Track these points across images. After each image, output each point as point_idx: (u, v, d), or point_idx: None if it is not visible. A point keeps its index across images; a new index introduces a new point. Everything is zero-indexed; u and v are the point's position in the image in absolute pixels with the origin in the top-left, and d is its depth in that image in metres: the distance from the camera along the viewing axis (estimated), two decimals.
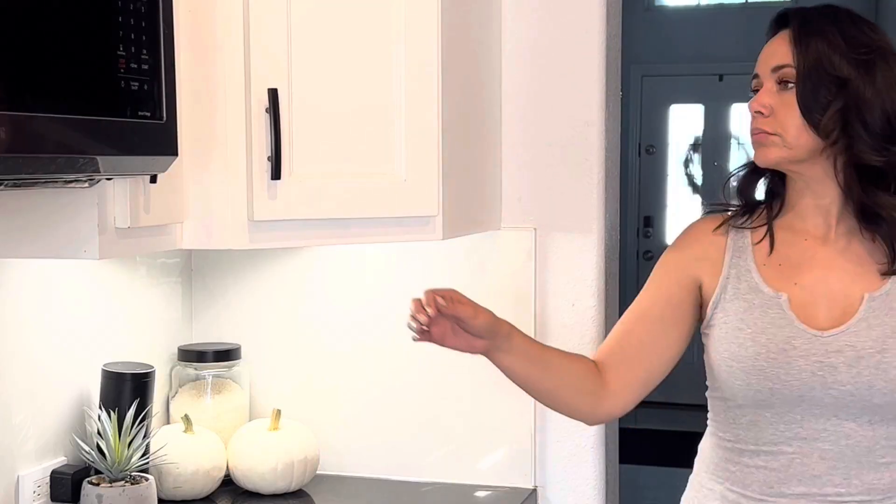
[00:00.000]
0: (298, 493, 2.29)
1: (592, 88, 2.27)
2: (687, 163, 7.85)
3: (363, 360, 2.39)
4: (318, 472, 2.33)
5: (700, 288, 1.75)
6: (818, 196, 1.69)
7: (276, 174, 1.74)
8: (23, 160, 1.27)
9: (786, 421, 1.64)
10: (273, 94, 1.72)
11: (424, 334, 1.69)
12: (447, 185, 1.96)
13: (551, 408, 1.84)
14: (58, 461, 2.05)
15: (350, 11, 1.84)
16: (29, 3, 1.25)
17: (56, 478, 2.01)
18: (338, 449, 2.39)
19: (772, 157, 1.67)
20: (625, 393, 1.78)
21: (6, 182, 1.38)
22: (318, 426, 2.35)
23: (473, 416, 2.34)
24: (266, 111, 1.73)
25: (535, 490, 2.32)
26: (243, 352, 2.40)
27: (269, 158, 1.74)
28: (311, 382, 2.42)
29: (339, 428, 2.40)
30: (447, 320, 1.68)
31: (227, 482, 2.29)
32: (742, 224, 1.75)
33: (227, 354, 2.38)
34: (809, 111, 1.63)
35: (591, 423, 1.95)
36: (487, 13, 2.24)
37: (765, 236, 1.72)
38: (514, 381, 1.78)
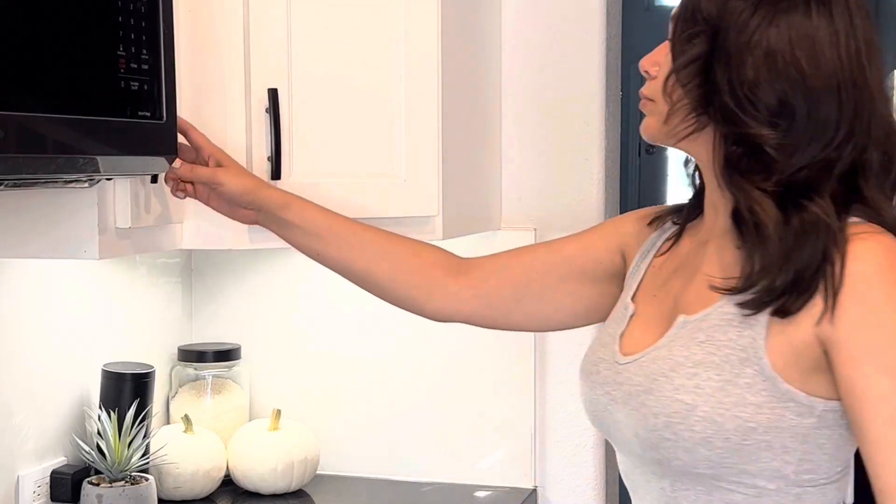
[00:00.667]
0: (298, 494, 2.29)
1: (592, 88, 2.27)
2: (687, 162, 7.84)
3: (363, 360, 2.39)
4: (318, 472, 2.33)
5: (618, 272, 1.53)
6: (708, 189, 1.38)
7: (276, 174, 1.74)
8: (23, 160, 1.27)
9: (622, 462, 1.42)
10: (273, 94, 1.72)
11: (182, 191, 1.60)
12: (447, 185, 1.96)
13: (372, 292, 1.64)
14: (58, 461, 2.05)
15: (350, 11, 1.84)
16: (29, 3, 1.25)
17: (56, 478, 2.01)
18: (338, 449, 2.39)
19: (648, 128, 1.38)
20: (470, 305, 1.61)
21: (6, 182, 1.38)
22: (318, 426, 2.35)
23: (473, 416, 2.34)
24: (266, 111, 1.73)
25: (535, 490, 2.32)
26: (243, 352, 2.40)
27: (269, 158, 1.74)
28: (312, 382, 2.42)
29: (340, 428, 2.40)
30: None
31: (227, 482, 2.29)
32: (668, 221, 1.50)
33: (227, 354, 2.38)
34: (676, 61, 1.31)
35: (428, 317, 1.65)
36: (487, 13, 2.24)
37: (674, 238, 1.47)
38: (314, 260, 1.63)
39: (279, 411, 2.29)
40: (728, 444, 1.26)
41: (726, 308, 1.29)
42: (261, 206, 1.61)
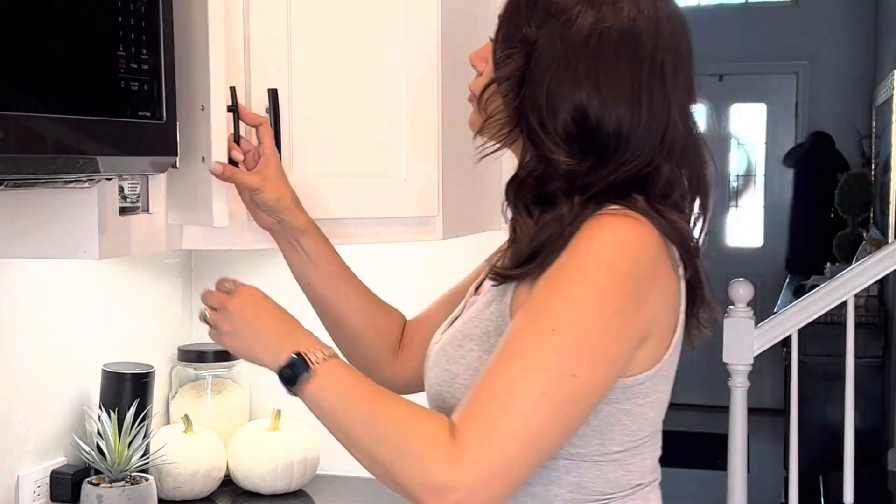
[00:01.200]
0: (299, 494, 2.29)
1: None
2: None
3: None
4: (318, 472, 2.33)
5: None
6: None
7: None
8: (23, 160, 1.27)
9: None
10: (273, 94, 1.72)
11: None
12: (447, 185, 1.96)
13: (335, 340, 1.67)
14: (58, 461, 2.05)
15: (350, 11, 1.84)
16: (29, 3, 1.25)
17: (56, 478, 2.01)
18: (338, 449, 2.37)
19: (472, 124, 1.44)
20: (405, 377, 1.65)
21: (6, 182, 1.38)
22: (319, 426, 2.35)
23: None
24: (266, 111, 1.73)
25: None
26: None
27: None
28: None
29: None
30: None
31: (227, 482, 2.29)
32: None
33: (227, 354, 2.35)
34: (497, 72, 1.37)
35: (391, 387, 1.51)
36: (487, 12, 2.24)
37: None
38: (301, 286, 1.68)
39: (279, 411, 2.29)
40: None
41: (493, 288, 1.38)
42: (284, 221, 1.65)
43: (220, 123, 1.62)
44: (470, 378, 1.33)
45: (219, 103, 1.61)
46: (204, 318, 1.47)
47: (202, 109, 1.61)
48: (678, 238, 1.33)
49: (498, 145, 1.41)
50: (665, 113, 1.33)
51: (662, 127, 1.33)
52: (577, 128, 1.31)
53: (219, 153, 1.61)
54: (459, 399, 1.29)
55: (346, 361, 1.38)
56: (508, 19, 1.38)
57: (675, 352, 1.35)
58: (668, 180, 1.35)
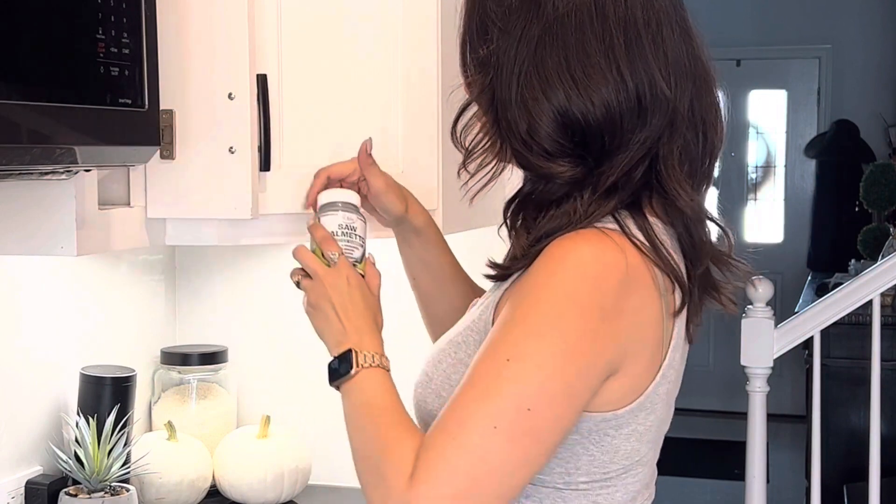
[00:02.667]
0: None
1: None
2: None
3: None
4: (309, 482, 2.33)
5: None
6: None
7: (265, 165, 1.74)
8: None
9: None
10: (262, 81, 1.72)
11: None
12: (447, 179, 1.96)
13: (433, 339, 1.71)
14: (33, 471, 2.05)
15: (347, 1, 1.85)
16: None
17: (31, 488, 2.01)
18: (330, 458, 2.39)
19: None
20: None
21: None
22: (310, 434, 2.36)
23: None
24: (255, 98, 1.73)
25: None
26: (230, 354, 2.41)
27: (258, 148, 1.74)
28: (302, 387, 2.42)
29: (332, 436, 2.38)
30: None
31: (214, 493, 2.29)
32: None
33: (212, 357, 2.38)
34: (463, 66, 1.41)
35: None
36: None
37: None
38: (410, 285, 1.76)
39: (269, 417, 2.29)
40: None
41: (487, 296, 1.42)
42: (405, 222, 1.71)
43: (251, 112, 1.68)
44: (441, 384, 1.38)
45: (248, 91, 1.67)
46: (296, 283, 1.53)
47: (230, 98, 1.64)
48: (674, 275, 1.32)
49: (486, 179, 1.39)
50: (653, 78, 1.31)
51: (653, 93, 1.31)
52: (565, 133, 1.31)
53: (247, 143, 1.67)
54: (429, 403, 1.38)
55: (391, 379, 1.42)
56: (464, 50, 1.39)
57: (661, 382, 1.34)
58: (682, 147, 1.34)
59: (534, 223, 1.34)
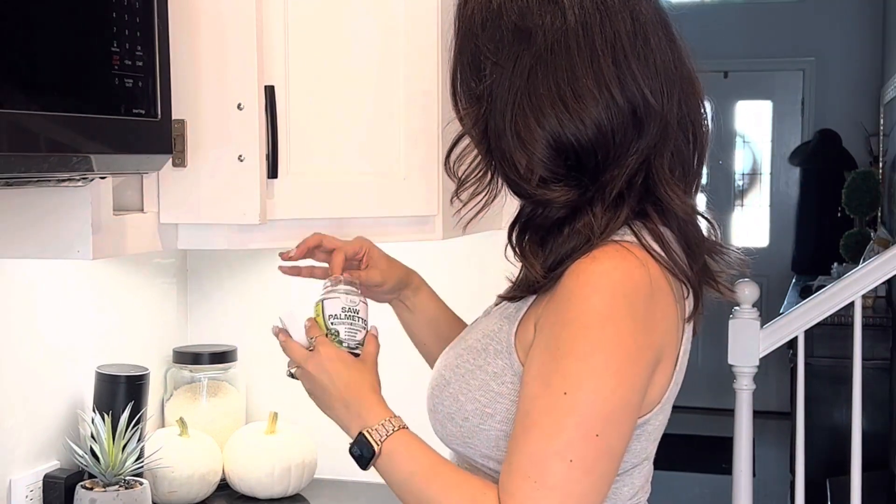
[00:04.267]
0: (296, 498, 2.29)
1: None
2: None
3: None
4: (315, 476, 2.33)
5: None
6: None
7: (272, 173, 1.74)
8: (15, 159, 1.27)
9: None
10: (270, 92, 1.72)
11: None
12: (447, 185, 1.95)
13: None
14: (51, 465, 2.05)
15: (349, 7, 1.84)
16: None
17: (49, 482, 2.01)
18: (336, 453, 2.38)
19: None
20: None
21: None
22: (316, 429, 2.35)
23: None
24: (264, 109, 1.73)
25: None
26: (239, 354, 2.40)
27: (266, 157, 1.74)
28: None
29: (338, 431, 2.39)
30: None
31: (223, 486, 2.29)
32: None
33: (222, 356, 2.38)
34: (454, 98, 1.39)
35: None
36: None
37: None
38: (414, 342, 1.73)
39: (276, 414, 2.29)
40: (468, 425, 1.36)
41: (505, 306, 1.39)
42: (402, 288, 1.69)
43: (259, 122, 1.68)
44: (459, 388, 1.37)
45: (256, 101, 1.67)
46: (290, 374, 1.51)
47: (239, 108, 1.64)
48: (691, 284, 1.32)
49: (480, 205, 1.39)
50: (639, 88, 1.30)
51: (641, 103, 1.30)
52: (558, 158, 1.30)
53: (255, 151, 1.68)
54: (446, 407, 1.38)
55: (410, 431, 1.40)
56: (456, 83, 1.38)
57: (676, 382, 1.35)
58: (673, 152, 1.34)
59: (543, 245, 1.33)
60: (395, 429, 1.37)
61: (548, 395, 1.24)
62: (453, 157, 1.39)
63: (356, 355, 1.47)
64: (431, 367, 1.69)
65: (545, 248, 1.32)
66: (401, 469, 1.36)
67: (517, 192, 1.34)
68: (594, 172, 1.31)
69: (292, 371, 1.50)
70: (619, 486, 1.36)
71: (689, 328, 1.36)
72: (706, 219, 1.41)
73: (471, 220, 1.39)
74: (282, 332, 1.50)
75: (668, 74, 1.33)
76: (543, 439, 1.23)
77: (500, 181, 1.36)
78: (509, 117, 1.30)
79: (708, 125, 1.39)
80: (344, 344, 1.47)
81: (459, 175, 1.39)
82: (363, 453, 1.38)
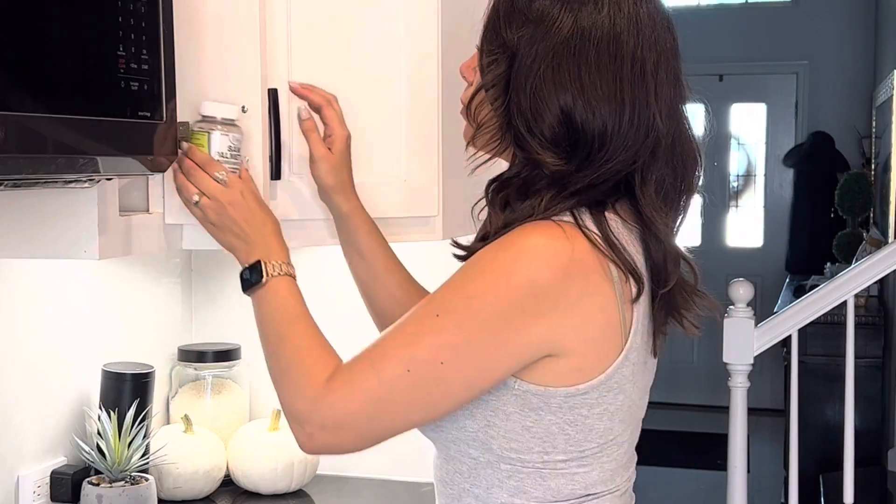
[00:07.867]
0: (298, 494, 2.29)
1: None
2: None
3: None
4: (318, 472, 2.33)
5: None
6: None
7: (276, 174, 1.74)
8: (22, 160, 1.27)
9: None
10: (273, 94, 1.72)
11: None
12: (447, 185, 1.95)
13: (378, 328, 1.73)
14: (58, 461, 2.05)
15: (351, 10, 1.84)
16: (29, 3, 1.24)
17: (56, 478, 2.01)
18: None
19: (466, 135, 1.46)
20: None
21: (6, 182, 1.38)
22: None
23: None
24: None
25: None
26: (243, 352, 2.40)
27: (269, 158, 1.74)
28: None
29: None
30: None
31: (227, 482, 2.29)
32: None
33: (227, 354, 2.38)
34: (483, 78, 1.40)
35: None
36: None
37: None
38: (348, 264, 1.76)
39: (279, 411, 2.29)
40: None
41: None
42: (332, 203, 1.71)
43: (262, 124, 1.68)
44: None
45: (260, 104, 1.67)
46: (195, 202, 1.55)
47: (243, 111, 1.64)
48: (626, 266, 1.32)
49: (489, 154, 1.43)
50: (649, 110, 1.34)
51: (647, 124, 1.34)
52: (564, 130, 1.33)
53: (259, 153, 1.68)
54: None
55: (298, 286, 1.48)
56: (490, 27, 1.41)
57: (623, 364, 1.34)
58: (658, 180, 1.37)
59: (508, 207, 1.37)
60: (289, 275, 1.49)
61: (426, 309, 1.32)
62: (475, 103, 1.41)
63: None
64: (368, 307, 1.76)
65: (508, 209, 1.37)
66: (275, 305, 1.47)
67: (520, 144, 1.36)
68: (581, 161, 1.34)
69: (198, 200, 1.54)
70: (588, 470, 1.37)
71: (639, 310, 1.35)
72: (686, 259, 1.43)
73: (480, 165, 1.44)
74: (193, 150, 1.56)
75: (672, 109, 1.38)
76: (400, 343, 1.31)
77: (510, 133, 1.38)
78: (532, 79, 1.34)
79: (699, 175, 1.44)
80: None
81: (479, 121, 1.41)
82: (251, 278, 1.49)
